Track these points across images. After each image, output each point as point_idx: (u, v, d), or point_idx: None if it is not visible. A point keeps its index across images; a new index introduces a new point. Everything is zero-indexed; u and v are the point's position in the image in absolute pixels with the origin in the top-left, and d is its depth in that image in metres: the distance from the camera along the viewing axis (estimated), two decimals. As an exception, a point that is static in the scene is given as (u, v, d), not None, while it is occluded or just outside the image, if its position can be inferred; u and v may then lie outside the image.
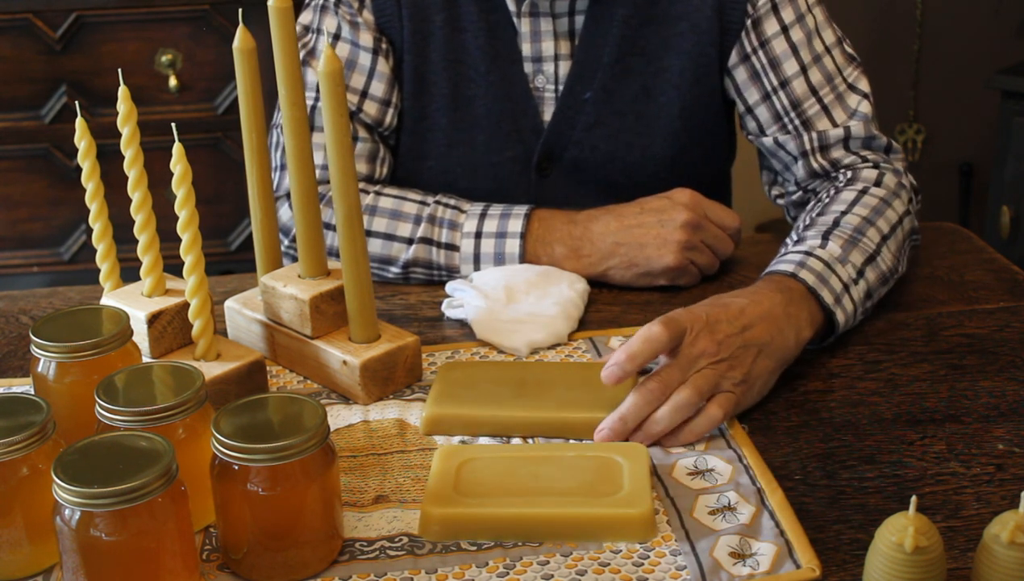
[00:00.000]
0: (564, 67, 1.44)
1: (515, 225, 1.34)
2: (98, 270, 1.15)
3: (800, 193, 1.44)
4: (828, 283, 1.19)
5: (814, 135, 1.40)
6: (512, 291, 1.28)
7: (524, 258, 1.34)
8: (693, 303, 1.12)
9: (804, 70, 1.40)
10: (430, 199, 1.38)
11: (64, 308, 1.09)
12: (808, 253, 1.21)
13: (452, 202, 1.38)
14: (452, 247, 1.36)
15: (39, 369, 1.02)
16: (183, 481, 0.85)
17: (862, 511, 0.96)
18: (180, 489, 0.84)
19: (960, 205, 3.18)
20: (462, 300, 1.29)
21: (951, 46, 3.08)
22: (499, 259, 1.34)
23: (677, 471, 1.00)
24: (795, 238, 1.27)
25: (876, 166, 1.38)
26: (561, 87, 1.44)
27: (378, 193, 1.40)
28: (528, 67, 1.44)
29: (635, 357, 1.04)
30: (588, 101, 1.44)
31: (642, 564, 0.89)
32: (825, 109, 1.40)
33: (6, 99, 2.50)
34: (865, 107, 1.41)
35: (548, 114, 1.45)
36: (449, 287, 1.32)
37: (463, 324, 1.28)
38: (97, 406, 0.92)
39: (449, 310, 1.29)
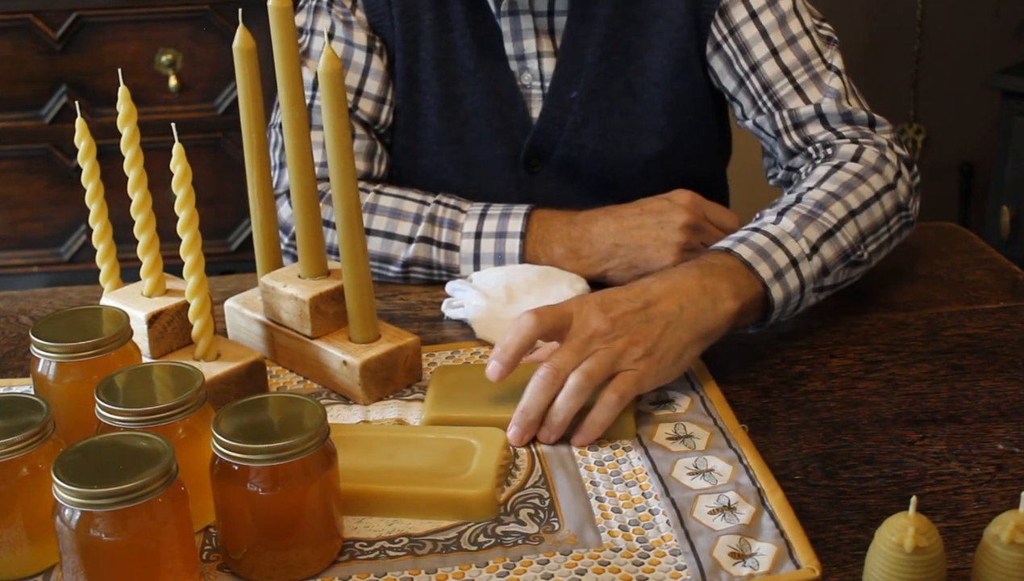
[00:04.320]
0: (548, 64, 1.44)
1: (515, 225, 1.34)
2: (98, 270, 1.15)
3: (784, 172, 1.42)
4: (769, 257, 1.14)
5: (786, 113, 1.38)
6: (512, 291, 1.28)
7: (524, 258, 1.34)
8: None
9: (775, 53, 1.38)
10: (430, 199, 1.38)
11: (64, 308, 1.09)
12: (755, 229, 1.18)
13: (452, 202, 1.38)
14: (452, 247, 1.36)
15: (39, 369, 1.02)
16: (183, 481, 0.85)
17: (862, 511, 0.96)
18: (180, 489, 0.84)
19: (960, 205, 3.18)
20: (462, 300, 1.29)
21: (951, 46, 3.08)
22: (499, 259, 1.34)
23: (677, 471, 1.00)
24: (755, 217, 1.23)
25: (855, 141, 1.34)
26: (547, 84, 1.45)
27: (378, 192, 1.40)
28: (513, 65, 1.44)
29: (507, 348, 1.03)
30: (575, 100, 1.44)
31: (642, 564, 0.89)
32: (798, 89, 1.38)
33: (6, 99, 2.50)
34: (836, 83, 1.38)
35: (536, 112, 1.46)
36: (449, 287, 1.32)
37: (463, 324, 1.28)
38: (97, 406, 0.92)
39: (449, 310, 1.29)
